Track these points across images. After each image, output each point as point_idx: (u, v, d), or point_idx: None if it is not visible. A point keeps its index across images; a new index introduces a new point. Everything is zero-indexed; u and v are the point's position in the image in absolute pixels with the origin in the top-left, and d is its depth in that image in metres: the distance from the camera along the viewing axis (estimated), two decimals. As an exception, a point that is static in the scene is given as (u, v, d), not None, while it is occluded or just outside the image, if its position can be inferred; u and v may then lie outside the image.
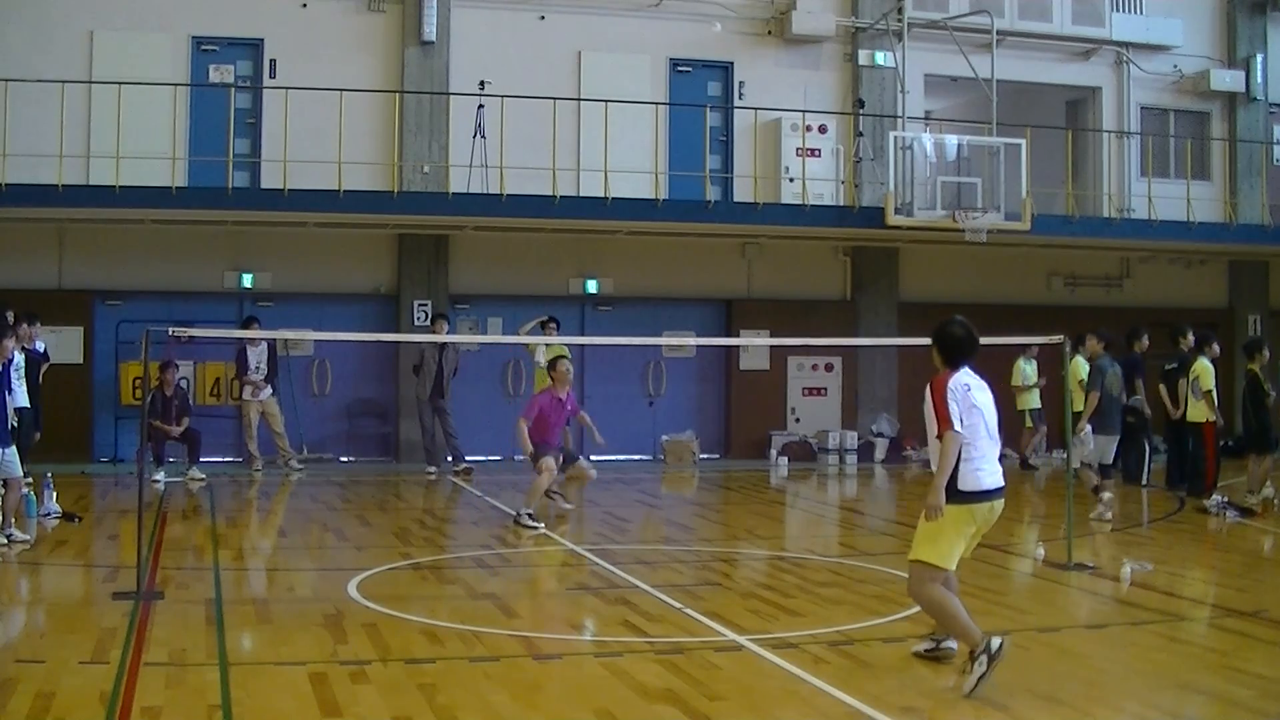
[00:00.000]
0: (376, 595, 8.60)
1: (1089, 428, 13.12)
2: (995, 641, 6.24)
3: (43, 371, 14.71)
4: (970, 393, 6.61)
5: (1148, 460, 16.07)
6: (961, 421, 6.47)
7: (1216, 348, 14.01)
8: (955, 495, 6.44)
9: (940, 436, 6.50)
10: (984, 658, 6.20)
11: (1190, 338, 14.49)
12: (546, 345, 16.39)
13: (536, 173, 17.01)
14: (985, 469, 6.53)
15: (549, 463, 12.26)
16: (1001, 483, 6.61)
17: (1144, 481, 15.82)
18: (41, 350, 14.82)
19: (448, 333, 16.55)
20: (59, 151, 15.79)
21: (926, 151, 18.05)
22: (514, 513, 12.29)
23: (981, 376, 6.81)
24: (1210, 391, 13.47)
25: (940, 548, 6.47)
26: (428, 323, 17.45)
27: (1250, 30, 21.55)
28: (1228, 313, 21.64)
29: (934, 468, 6.56)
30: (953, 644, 6.76)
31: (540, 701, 6.13)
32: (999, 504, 6.60)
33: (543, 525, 11.93)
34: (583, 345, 18.12)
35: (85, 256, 17.42)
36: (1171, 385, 14.66)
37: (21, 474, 10.72)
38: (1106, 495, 12.99)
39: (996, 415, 6.71)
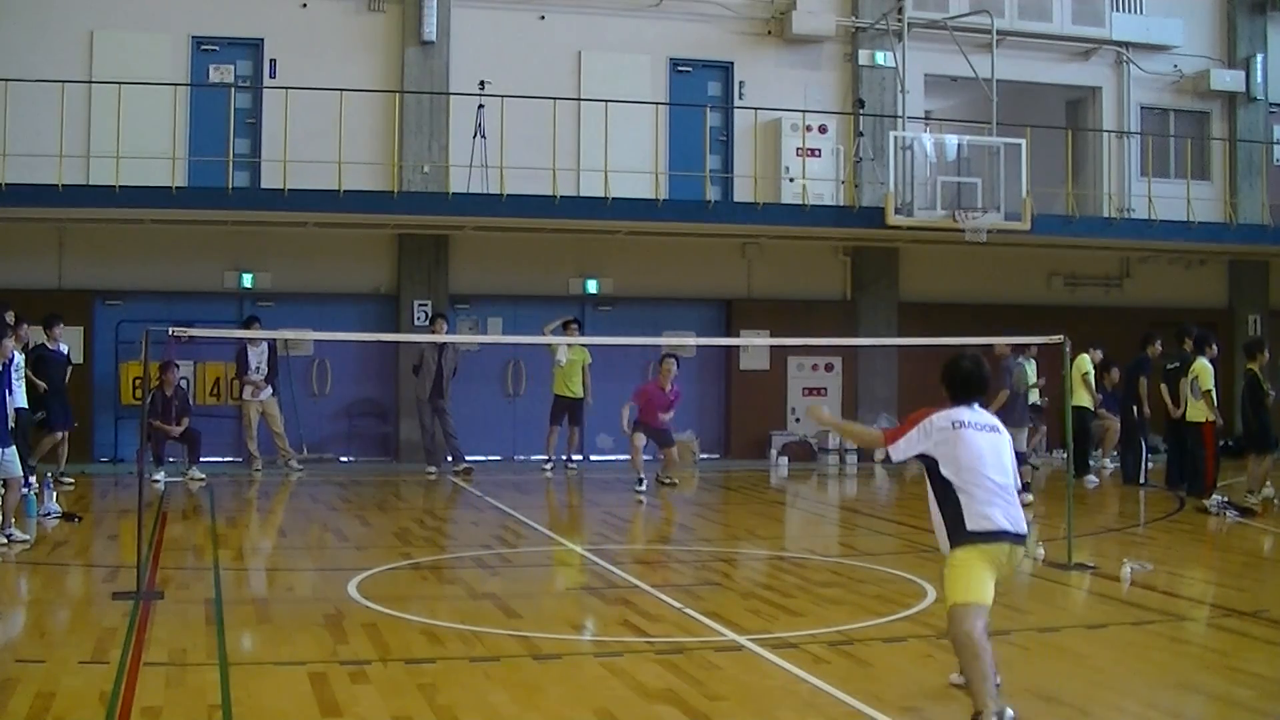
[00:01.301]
0: (376, 595, 8.60)
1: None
2: (1009, 713, 5.72)
3: (68, 373, 14.87)
4: (964, 430, 6.08)
5: (1145, 460, 16.11)
6: (936, 463, 6.05)
7: (1215, 348, 14.03)
8: (964, 536, 5.95)
9: (884, 441, 6.24)
10: None
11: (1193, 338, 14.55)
12: (569, 346, 16.56)
13: (536, 173, 17.00)
14: (994, 508, 5.97)
15: (638, 438, 15.27)
16: (1022, 529, 6.00)
17: (1143, 481, 15.85)
18: (65, 352, 14.89)
19: (447, 333, 16.56)
20: (59, 151, 15.79)
21: (926, 151, 18.05)
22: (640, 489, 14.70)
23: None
24: (1209, 391, 13.49)
25: (966, 585, 5.92)
26: (427, 323, 17.46)
27: (1250, 30, 21.55)
28: (1228, 313, 21.64)
29: (932, 515, 6.18)
30: (997, 680, 6.15)
31: (540, 701, 6.13)
32: (1017, 549, 6.04)
33: (644, 489, 14.84)
34: (583, 345, 18.12)
35: (85, 256, 17.41)
36: (1172, 385, 14.68)
37: (21, 474, 10.73)
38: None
39: (1011, 461, 6.19)
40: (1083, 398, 15.93)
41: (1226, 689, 6.43)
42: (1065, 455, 11.47)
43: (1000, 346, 14.03)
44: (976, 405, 6.29)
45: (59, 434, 14.57)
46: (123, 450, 17.44)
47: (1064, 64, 20.84)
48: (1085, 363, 16.09)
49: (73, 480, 14.62)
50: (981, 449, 6.05)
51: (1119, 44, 20.87)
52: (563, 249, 18.72)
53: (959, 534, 5.99)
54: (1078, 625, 8.04)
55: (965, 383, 6.30)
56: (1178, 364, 14.66)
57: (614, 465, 18.27)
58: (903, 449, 6.13)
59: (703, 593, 8.93)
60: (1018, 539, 6.01)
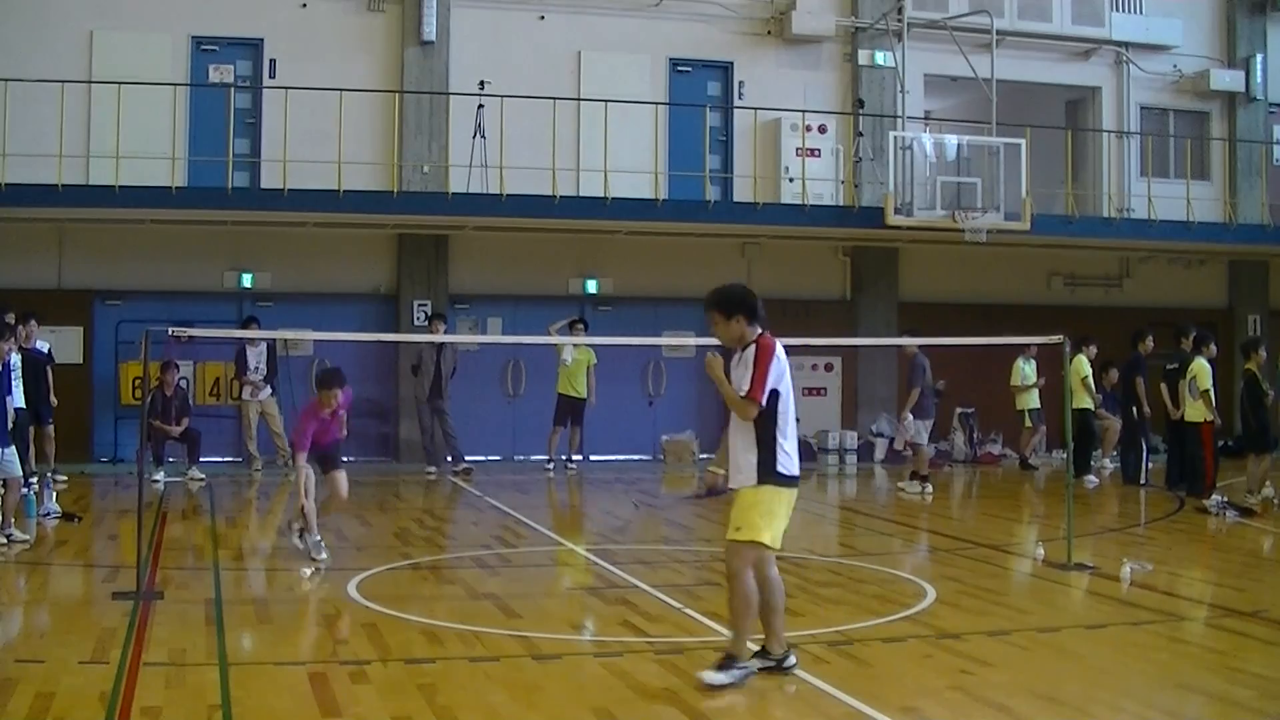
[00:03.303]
0: (376, 595, 8.60)
1: (910, 415, 15.23)
2: (755, 667, 6.35)
3: (50, 375, 14.67)
4: (786, 361, 6.33)
5: (1146, 460, 16.12)
6: (778, 396, 6.24)
7: (1214, 348, 14.03)
8: (779, 478, 6.32)
9: (746, 398, 6.20)
10: (743, 674, 6.26)
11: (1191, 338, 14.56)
12: (574, 345, 16.56)
13: (536, 173, 17.01)
14: (796, 452, 6.42)
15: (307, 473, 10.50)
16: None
17: (1143, 481, 15.85)
18: (45, 351, 14.79)
19: (445, 333, 16.55)
20: (59, 151, 15.79)
21: (926, 151, 18.06)
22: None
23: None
24: (1208, 391, 13.49)
25: (775, 529, 6.34)
26: (426, 323, 17.46)
27: (1250, 30, 21.56)
28: (1228, 313, 21.65)
29: (738, 443, 6.33)
30: (794, 659, 6.53)
31: (540, 701, 6.13)
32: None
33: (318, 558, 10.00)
34: (588, 345, 18.12)
35: (85, 256, 17.42)
36: (1172, 385, 14.70)
37: (21, 474, 10.72)
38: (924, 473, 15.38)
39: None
40: (1084, 399, 15.96)
41: (1226, 689, 6.42)
42: (1065, 456, 11.47)
43: (909, 347, 15.05)
44: None
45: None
46: (123, 450, 17.44)
47: (1064, 64, 20.85)
48: (1083, 365, 16.11)
49: (66, 478, 14.60)
50: (792, 385, 6.32)
51: (1119, 44, 20.88)
52: (563, 249, 18.72)
53: (773, 474, 6.30)
54: (1078, 625, 8.03)
55: (758, 304, 6.34)
56: (1177, 364, 14.65)
57: (613, 465, 18.28)
58: (766, 399, 6.22)
59: (703, 593, 8.92)
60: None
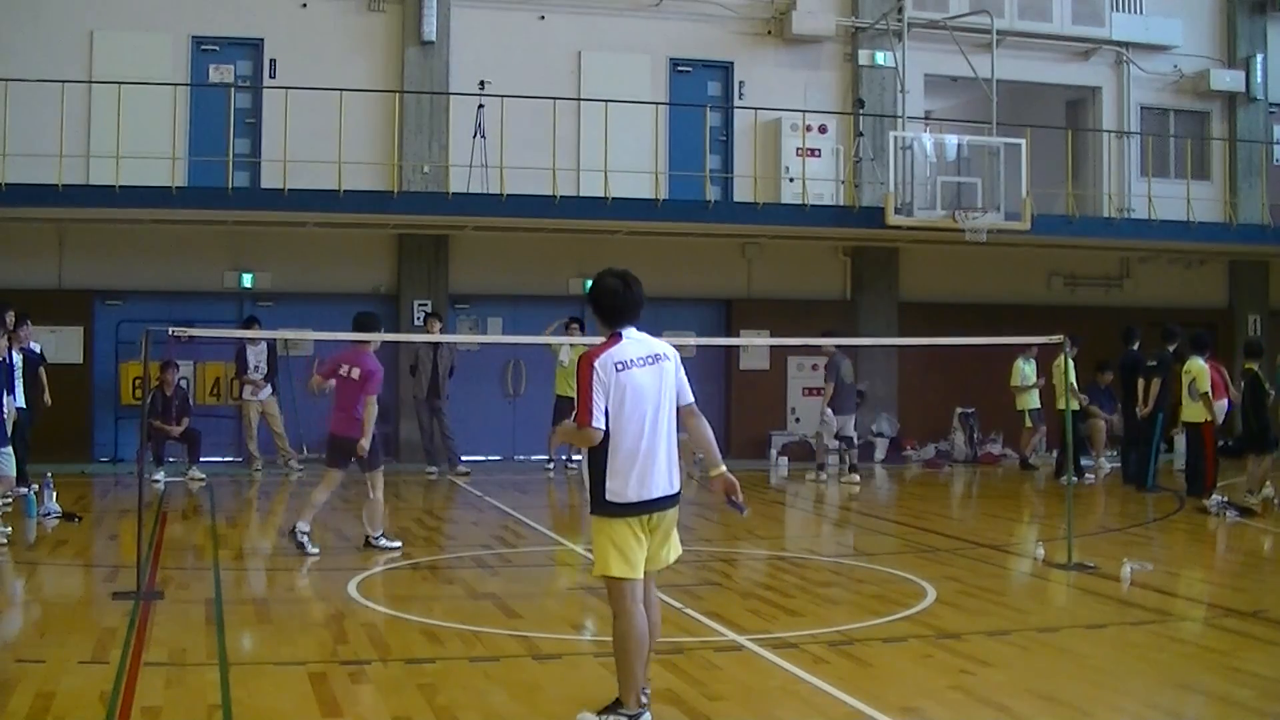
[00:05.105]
0: (376, 595, 8.61)
1: (829, 410, 16.31)
2: (646, 717, 5.71)
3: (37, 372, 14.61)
4: (628, 373, 5.53)
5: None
6: (607, 415, 5.49)
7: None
8: (608, 508, 5.61)
9: (580, 427, 5.53)
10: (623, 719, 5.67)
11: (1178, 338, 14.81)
12: (571, 345, 16.55)
13: (536, 173, 17.00)
14: (636, 475, 5.55)
15: (334, 476, 10.64)
16: (668, 488, 5.66)
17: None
18: (38, 351, 14.77)
19: (442, 332, 16.54)
20: (59, 151, 15.79)
21: (926, 151, 18.05)
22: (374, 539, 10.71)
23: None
24: (1208, 394, 13.51)
25: (611, 561, 5.64)
26: (422, 322, 17.47)
27: (1250, 30, 21.55)
28: (1228, 313, 21.65)
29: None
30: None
31: (540, 701, 6.13)
32: (670, 512, 5.75)
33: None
34: (585, 345, 18.12)
35: (85, 256, 17.42)
36: (1148, 382, 14.92)
37: (14, 473, 10.74)
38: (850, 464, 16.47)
39: (675, 396, 5.69)
40: (1073, 404, 16.00)
41: (1226, 689, 6.43)
42: (1065, 456, 11.47)
43: (827, 346, 15.79)
44: (634, 335, 5.67)
45: None
46: (123, 450, 17.44)
47: (1064, 64, 20.84)
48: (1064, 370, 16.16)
49: None
50: (643, 391, 5.54)
51: (1119, 44, 20.88)
52: (563, 249, 18.71)
53: (598, 502, 5.64)
54: (1078, 625, 8.03)
55: (616, 299, 5.62)
56: (1155, 363, 14.82)
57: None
58: (599, 419, 5.50)
59: (703, 593, 8.92)
60: (665, 503, 5.68)
